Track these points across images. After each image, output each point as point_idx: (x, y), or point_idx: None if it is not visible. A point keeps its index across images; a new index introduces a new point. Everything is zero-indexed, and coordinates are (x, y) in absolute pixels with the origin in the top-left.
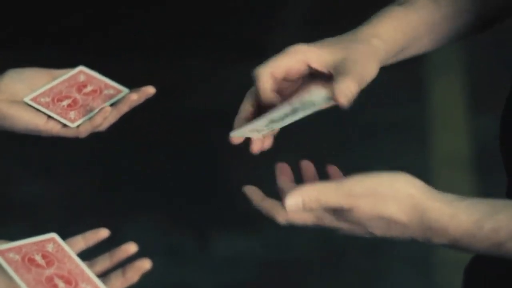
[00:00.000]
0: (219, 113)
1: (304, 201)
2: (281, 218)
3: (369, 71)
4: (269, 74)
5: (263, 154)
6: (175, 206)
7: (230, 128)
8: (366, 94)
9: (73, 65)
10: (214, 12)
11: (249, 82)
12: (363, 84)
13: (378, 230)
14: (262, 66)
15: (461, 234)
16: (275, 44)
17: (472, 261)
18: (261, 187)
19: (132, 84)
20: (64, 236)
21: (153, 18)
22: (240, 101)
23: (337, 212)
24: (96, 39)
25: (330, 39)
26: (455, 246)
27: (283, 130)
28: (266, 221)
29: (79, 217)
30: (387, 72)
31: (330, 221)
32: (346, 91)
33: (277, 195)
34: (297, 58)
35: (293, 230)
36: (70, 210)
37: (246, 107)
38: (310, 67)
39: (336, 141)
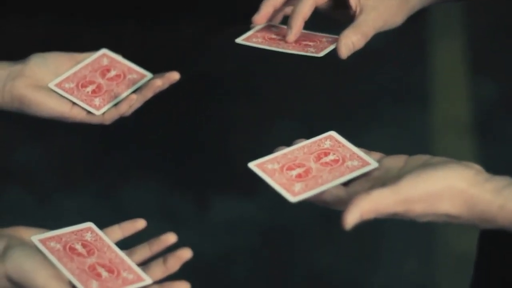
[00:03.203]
0: (216, 79)
1: (362, 215)
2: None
3: (393, 21)
4: (313, 1)
5: (262, 118)
6: (173, 169)
7: (225, 93)
8: (368, 58)
9: (65, 34)
10: None
11: (242, 48)
12: (377, 31)
13: (426, 220)
14: None
15: (510, 223)
16: None
17: None
18: (261, 150)
19: (126, 53)
20: (66, 201)
21: None
22: (235, 66)
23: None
24: (88, 7)
25: None
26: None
27: (284, 95)
28: (266, 185)
29: (78, 180)
30: (388, 36)
31: None
32: (349, 44)
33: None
34: None
35: None
36: (68, 174)
37: None
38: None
39: (337, 106)
